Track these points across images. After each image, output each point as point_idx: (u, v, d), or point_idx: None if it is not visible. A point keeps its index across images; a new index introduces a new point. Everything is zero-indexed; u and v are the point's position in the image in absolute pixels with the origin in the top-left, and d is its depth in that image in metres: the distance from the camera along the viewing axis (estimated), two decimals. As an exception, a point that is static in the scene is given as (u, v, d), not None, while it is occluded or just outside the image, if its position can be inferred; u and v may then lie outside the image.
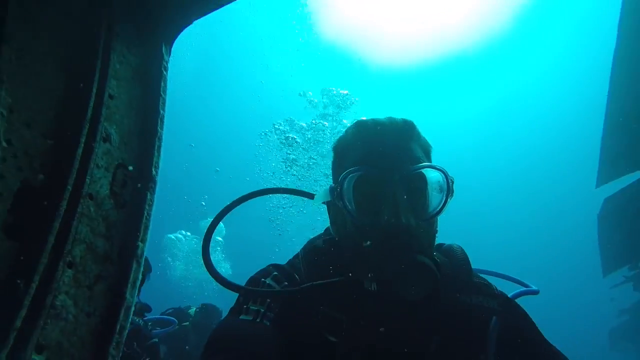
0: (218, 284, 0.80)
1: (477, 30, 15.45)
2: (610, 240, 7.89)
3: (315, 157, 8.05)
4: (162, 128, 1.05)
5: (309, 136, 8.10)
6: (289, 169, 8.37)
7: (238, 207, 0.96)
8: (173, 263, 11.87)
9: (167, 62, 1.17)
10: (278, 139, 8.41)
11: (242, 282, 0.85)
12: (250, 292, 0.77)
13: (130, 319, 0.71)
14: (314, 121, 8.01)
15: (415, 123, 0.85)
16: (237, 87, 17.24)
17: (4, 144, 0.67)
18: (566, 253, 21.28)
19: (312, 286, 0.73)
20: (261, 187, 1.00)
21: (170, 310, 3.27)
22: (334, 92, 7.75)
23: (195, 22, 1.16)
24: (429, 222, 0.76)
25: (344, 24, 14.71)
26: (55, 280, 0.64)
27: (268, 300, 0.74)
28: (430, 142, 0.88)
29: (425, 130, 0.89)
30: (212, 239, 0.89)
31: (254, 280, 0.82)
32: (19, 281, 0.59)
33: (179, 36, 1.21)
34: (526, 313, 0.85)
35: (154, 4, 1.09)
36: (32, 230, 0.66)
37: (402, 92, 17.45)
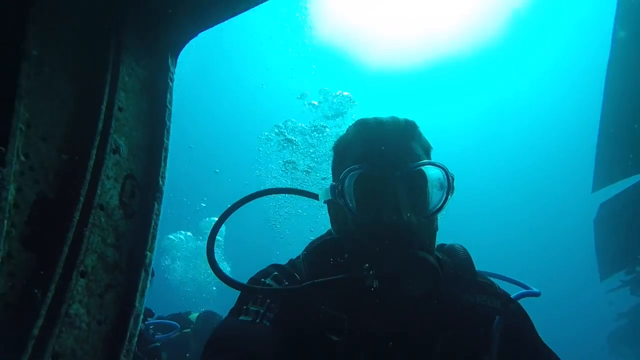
0: (221, 281, 0.79)
1: (473, 33, 15.57)
2: (607, 245, 7.94)
3: (313, 164, 8.07)
4: (168, 139, 1.08)
5: (310, 140, 8.13)
6: (289, 171, 8.39)
7: (239, 208, 0.95)
8: (172, 264, 11.84)
9: (172, 74, 1.20)
10: (278, 140, 8.45)
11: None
12: (251, 291, 0.77)
13: (139, 327, 0.74)
14: (314, 125, 8.05)
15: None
16: (237, 89, 17.30)
17: (22, 157, 0.70)
18: (563, 257, 21.34)
19: (313, 284, 0.72)
20: (262, 188, 1.00)
21: (169, 317, 3.25)
22: (338, 94, 7.79)
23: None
24: (430, 219, 0.76)
25: (341, 27, 14.80)
26: (69, 290, 0.66)
27: (268, 300, 0.74)
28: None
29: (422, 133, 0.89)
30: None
31: (254, 281, 0.82)
32: (36, 291, 0.62)
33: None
34: (527, 314, 0.85)
35: (161, 18, 1.13)
36: (47, 241, 0.69)
37: (399, 95, 17.54)
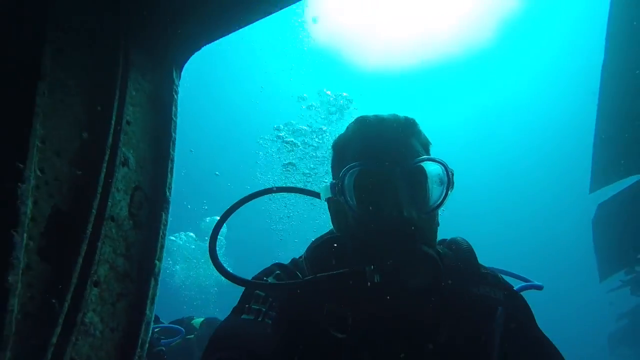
0: (222, 277, 0.80)
1: (469, 35, 15.65)
2: (606, 245, 7.98)
3: (314, 166, 8.12)
4: (174, 150, 1.12)
5: (310, 142, 8.19)
6: (289, 173, 8.44)
7: (240, 207, 0.96)
8: (173, 266, 11.84)
9: (177, 86, 1.24)
10: (279, 142, 8.50)
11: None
12: (253, 286, 0.77)
13: (150, 334, 0.77)
14: (309, 125, 8.10)
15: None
16: (236, 92, 17.38)
17: (38, 172, 0.73)
18: (562, 258, 21.36)
19: (315, 278, 0.72)
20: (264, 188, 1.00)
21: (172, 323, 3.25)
22: (337, 95, 7.86)
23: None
24: (431, 215, 0.76)
25: (338, 29, 14.90)
26: (84, 299, 0.70)
27: (270, 299, 0.75)
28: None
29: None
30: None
31: (256, 279, 0.82)
32: (53, 300, 0.65)
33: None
34: (528, 306, 0.86)
35: (165, 33, 1.17)
36: (63, 252, 0.72)
37: (397, 95, 17.60)
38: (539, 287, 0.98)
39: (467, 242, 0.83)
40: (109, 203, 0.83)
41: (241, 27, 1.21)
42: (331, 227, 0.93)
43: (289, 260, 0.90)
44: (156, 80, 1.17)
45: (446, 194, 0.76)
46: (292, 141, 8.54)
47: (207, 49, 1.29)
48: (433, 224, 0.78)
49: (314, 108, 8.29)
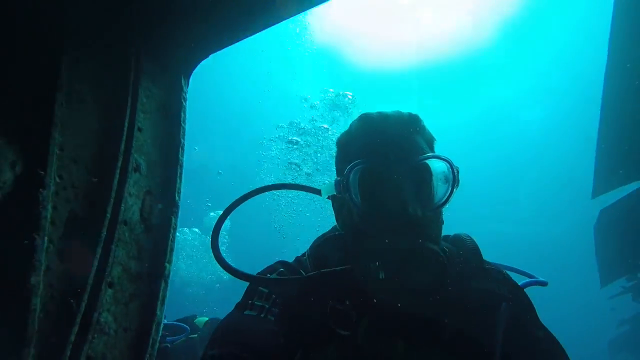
0: (225, 271, 0.80)
1: (470, 36, 15.57)
2: (607, 251, 7.95)
3: (318, 163, 8.17)
4: (182, 156, 1.16)
5: (312, 141, 8.23)
6: (294, 172, 8.48)
7: (241, 205, 0.95)
8: (177, 262, 11.90)
9: (186, 93, 1.28)
10: (281, 142, 8.54)
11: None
12: (257, 282, 0.78)
13: (160, 334, 0.81)
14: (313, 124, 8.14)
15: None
16: (238, 92, 17.47)
17: (57, 179, 0.77)
18: (564, 263, 21.24)
19: (319, 275, 0.72)
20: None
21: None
22: (341, 93, 7.91)
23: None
24: (435, 212, 0.76)
25: (338, 29, 14.92)
26: (99, 299, 0.74)
27: (273, 296, 0.76)
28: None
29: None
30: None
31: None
32: (72, 301, 0.69)
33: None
34: (531, 302, 0.85)
35: (175, 41, 1.21)
36: (79, 254, 0.76)
37: (396, 95, 17.57)
38: (544, 283, 0.98)
39: (471, 238, 0.84)
40: (122, 208, 0.87)
41: (247, 37, 1.24)
42: (334, 224, 0.92)
43: (293, 259, 0.91)
44: (166, 86, 1.20)
45: (451, 192, 0.76)
46: (295, 140, 8.59)
47: (212, 56, 1.33)
48: (438, 221, 0.79)
49: (316, 107, 8.33)
